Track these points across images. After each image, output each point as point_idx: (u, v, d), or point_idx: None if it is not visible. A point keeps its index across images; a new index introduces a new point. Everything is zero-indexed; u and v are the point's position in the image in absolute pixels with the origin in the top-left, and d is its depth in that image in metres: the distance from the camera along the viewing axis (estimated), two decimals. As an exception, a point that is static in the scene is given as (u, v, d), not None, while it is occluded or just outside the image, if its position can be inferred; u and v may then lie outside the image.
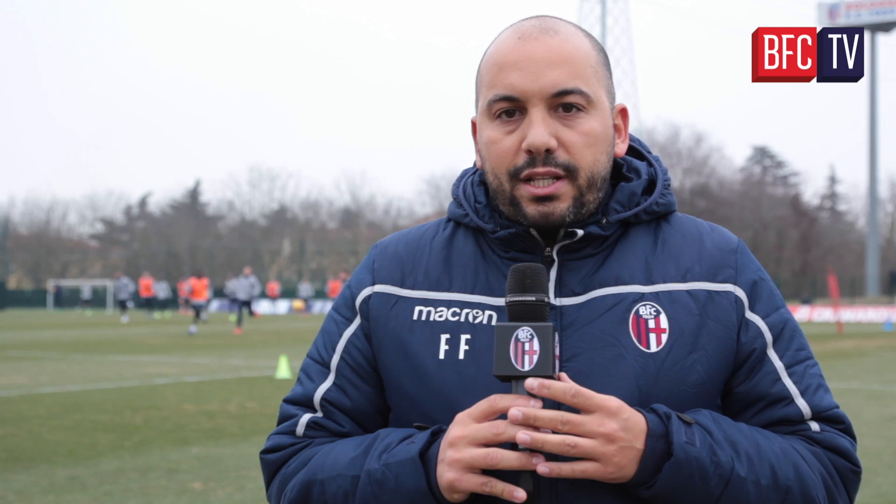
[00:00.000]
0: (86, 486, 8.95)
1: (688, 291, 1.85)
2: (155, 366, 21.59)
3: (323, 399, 1.91)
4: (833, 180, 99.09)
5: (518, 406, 1.64)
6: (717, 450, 1.72)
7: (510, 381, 1.67)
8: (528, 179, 1.80)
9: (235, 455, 10.44)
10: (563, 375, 1.69)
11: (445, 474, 1.68)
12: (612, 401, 1.67)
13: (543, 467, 1.65)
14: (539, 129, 1.78)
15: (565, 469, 1.65)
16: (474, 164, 2.00)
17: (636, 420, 1.68)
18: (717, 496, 1.71)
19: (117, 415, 13.59)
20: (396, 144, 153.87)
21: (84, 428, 12.41)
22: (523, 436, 1.63)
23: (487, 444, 1.66)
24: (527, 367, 1.65)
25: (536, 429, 1.65)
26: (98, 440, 11.45)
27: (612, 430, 1.65)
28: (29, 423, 12.83)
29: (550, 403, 1.70)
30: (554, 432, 1.65)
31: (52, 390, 16.67)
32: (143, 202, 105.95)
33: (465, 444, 1.66)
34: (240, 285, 39.52)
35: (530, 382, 1.64)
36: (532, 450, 1.65)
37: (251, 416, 13.41)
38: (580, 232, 1.84)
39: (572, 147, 1.79)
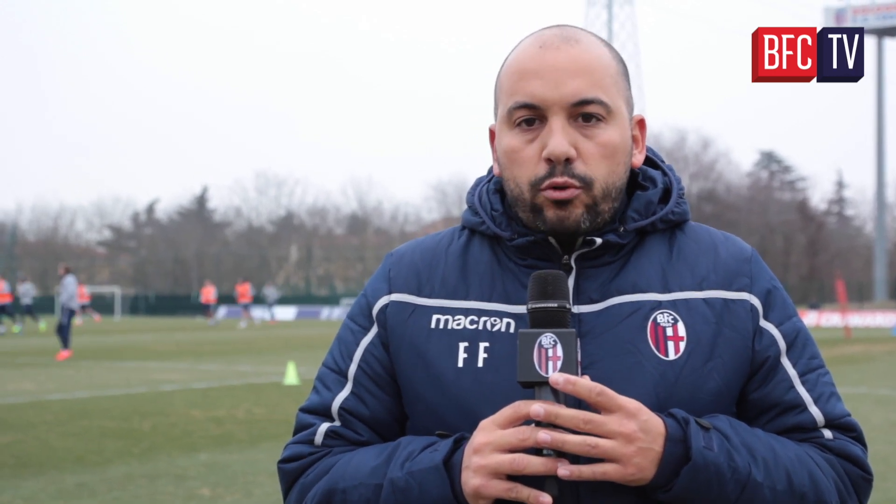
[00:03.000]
0: (94, 493, 8.96)
1: (704, 300, 1.86)
2: (162, 372, 21.61)
3: (341, 408, 1.91)
4: (840, 185, 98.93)
5: (541, 405, 1.65)
6: (734, 455, 1.73)
7: (533, 387, 1.68)
8: (548, 187, 1.80)
9: (243, 461, 10.45)
10: (586, 377, 1.69)
11: (471, 481, 1.68)
12: (632, 402, 1.68)
13: (564, 470, 1.65)
14: (559, 139, 1.78)
15: (586, 471, 1.66)
16: (489, 172, 2.01)
17: (655, 422, 1.69)
18: (734, 500, 1.72)
19: (125, 421, 13.60)
20: (403, 150, 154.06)
21: (92, 434, 12.42)
22: (544, 435, 1.64)
23: (513, 450, 1.67)
24: (550, 373, 1.66)
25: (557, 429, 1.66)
26: (106, 446, 11.46)
27: (632, 430, 1.66)
28: (37, 429, 12.85)
29: (572, 405, 1.71)
30: (573, 433, 1.66)
31: (60, 397, 16.69)
32: (150, 209, 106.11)
33: (490, 450, 1.67)
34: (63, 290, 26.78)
35: (556, 377, 1.64)
36: (557, 454, 1.65)
37: (259, 423, 13.41)
38: (598, 240, 1.84)
39: (590, 158, 1.80)
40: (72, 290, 26.15)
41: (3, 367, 23.17)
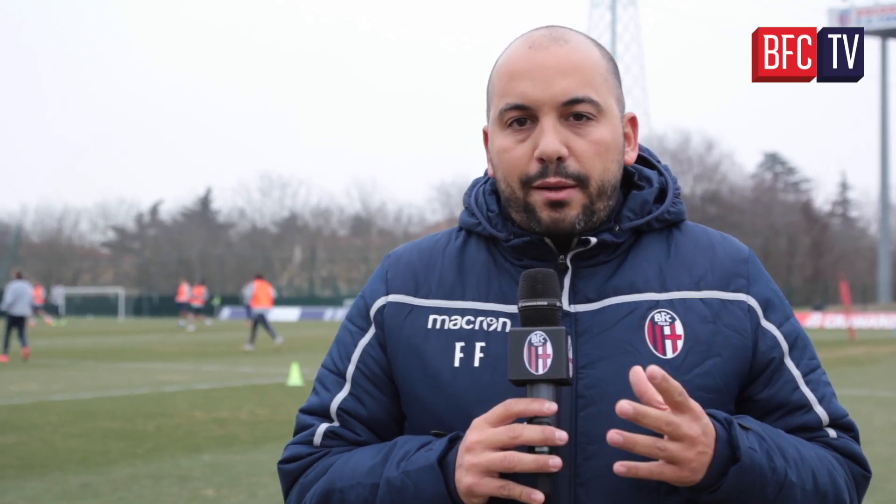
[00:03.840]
0: (99, 494, 8.98)
1: (702, 299, 1.87)
2: (165, 373, 21.63)
3: (339, 409, 1.92)
4: (844, 186, 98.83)
5: (629, 403, 1.65)
6: (773, 455, 1.75)
7: (525, 385, 1.69)
8: (541, 187, 1.82)
9: (247, 462, 10.47)
10: (657, 368, 1.65)
11: (464, 479, 1.70)
12: (696, 404, 1.69)
13: (621, 466, 1.67)
14: (550, 138, 1.79)
15: (643, 469, 1.67)
16: (485, 173, 2.02)
17: (711, 426, 1.71)
18: (771, 501, 1.75)
19: (129, 422, 13.62)
20: (407, 152, 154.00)
21: (96, 435, 12.45)
22: (616, 436, 1.65)
23: (504, 448, 1.67)
24: (541, 371, 1.67)
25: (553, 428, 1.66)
26: (110, 447, 11.48)
27: (697, 434, 1.67)
28: (41, 430, 12.87)
29: (565, 404, 1.72)
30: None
31: (64, 398, 16.71)
32: (154, 210, 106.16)
33: (482, 448, 1.68)
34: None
35: (653, 370, 1.64)
36: (550, 451, 1.66)
37: (263, 424, 13.42)
38: (593, 239, 1.85)
39: (582, 156, 1.81)
40: (10, 299, 25.91)
41: (7, 368, 23.20)
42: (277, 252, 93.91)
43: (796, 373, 1.88)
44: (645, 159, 2.01)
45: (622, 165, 1.90)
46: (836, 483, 1.82)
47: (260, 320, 30.31)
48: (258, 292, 30.85)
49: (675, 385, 1.66)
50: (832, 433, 1.89)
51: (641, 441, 1.65)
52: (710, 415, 1.74)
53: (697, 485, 1.71)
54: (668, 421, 1.66)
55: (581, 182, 1.81)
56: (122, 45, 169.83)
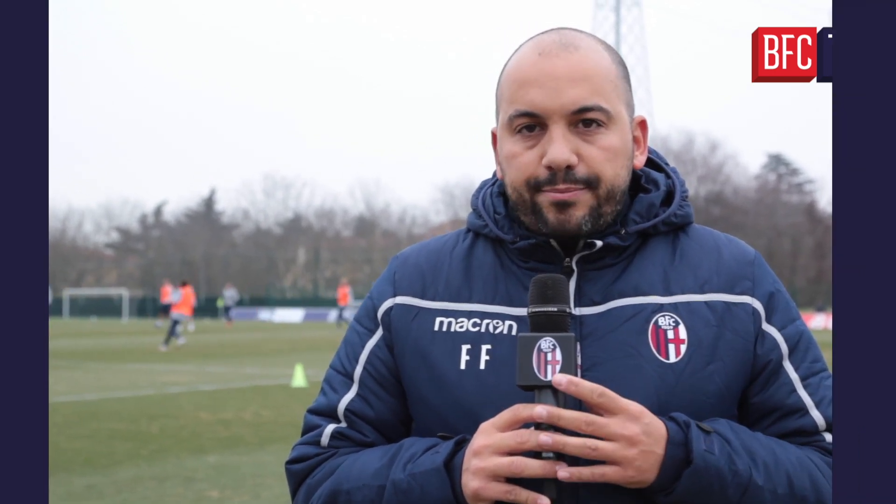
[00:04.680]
0: (103, 495, 8.99)
1: (706, 303, 1.87)
2: (169, 374, 21.65)
3: (347, 410, 1.93)
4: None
5: (543, 407, 1.67)
6: (735, 458, 1.74)
7: (533, 390, 1.69)
8: (549, 190, 1.82)
9: (251, 463, 10.48)
10: (561, 375, 1.70)
11: (470, 483, 1.70)
12: (634, 405, 1.70)
13: (563, 472, 1.67)
14: (559, 146, 1.79)
15: (585, 473, 1.67)
16: (493, 175, 2.02)
17: (657, 426, 1.71)
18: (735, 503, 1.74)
19: (133, 423, 13.64)
20: (411, 153, 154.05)
21: (101, 436, 12.46)
22: (545, 438, 1.65)
23: (512, 453, 1.68)
24: (550, 377, 1.68)
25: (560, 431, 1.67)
26: (115, 449, 11.50)
27: (634, 433, 1.67)
28: (46, 431, 12.87)
29: (573, 408, 1.72)
30: (575, 436, 1.68)
31: (68, 399, 16.72)
32: (158, 211, 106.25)
33: (489, 452, 1.69)
34: None
35: (558, 378, 1.66)
36: (557, 457, 1.67)
37: (267, 425, 13.43)
38: (599, 242, 1.85)
39: (593, 161, 1.81)
40: None
41: (11, 369, 23.21)
42: (281, 253, 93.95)
43: (794, 376, 1.88)
44: (653, 161, 2.01)
45: (631, 170, 1.90)
46: (818, 487, 1.80)
47: (174, 323, 31.29)
48: (185, 299, 31.62)
49: (591, 387, 1.67)
50: (829, 438, 1.87)
51: (571, 441, 1.66)
52: (671, 417, 1.75)
53: (651, 486, 1.71)
54: (587, 421, 1.67)
55: (590, 184, 1.81)
56: (122, 47, 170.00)
